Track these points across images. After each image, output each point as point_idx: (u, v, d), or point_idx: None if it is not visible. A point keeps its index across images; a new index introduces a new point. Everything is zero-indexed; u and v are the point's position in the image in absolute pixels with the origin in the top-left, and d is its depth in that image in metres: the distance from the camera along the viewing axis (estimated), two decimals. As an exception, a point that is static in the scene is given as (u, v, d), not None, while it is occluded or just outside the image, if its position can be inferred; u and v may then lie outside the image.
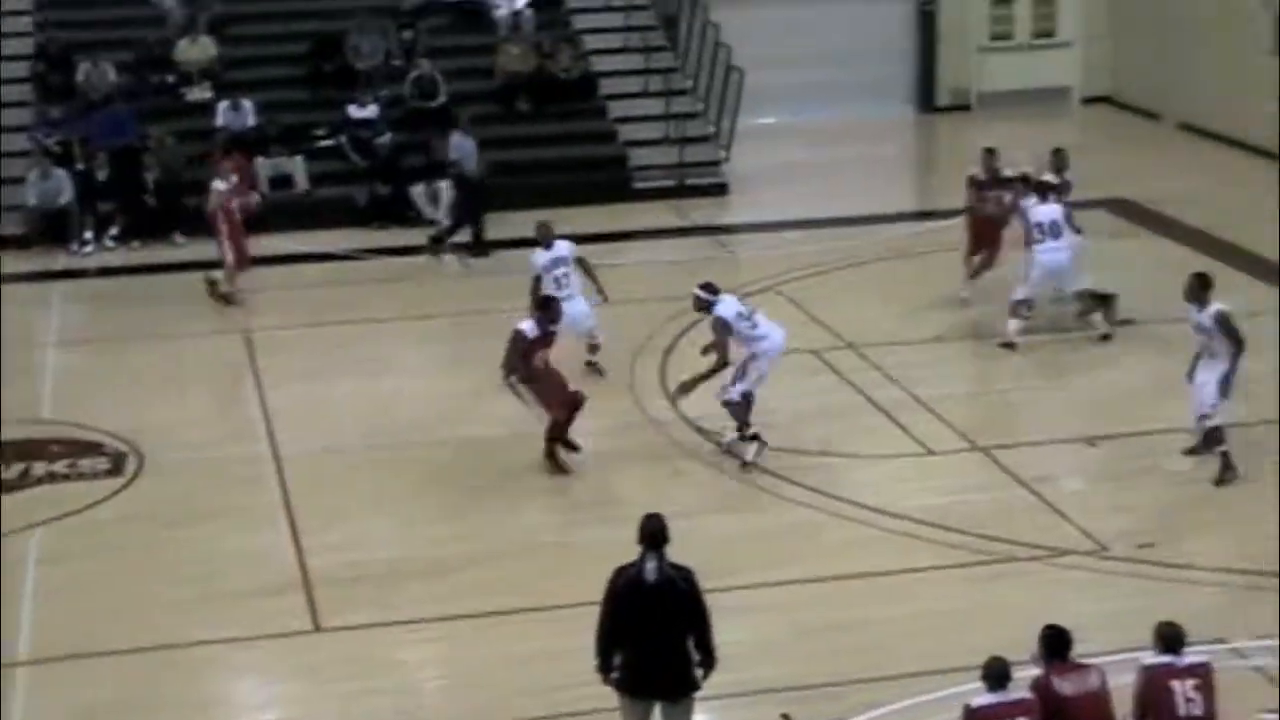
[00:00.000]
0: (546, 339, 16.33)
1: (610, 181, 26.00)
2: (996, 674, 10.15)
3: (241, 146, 25.02)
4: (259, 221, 22.82)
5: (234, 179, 21.95)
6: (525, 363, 16.13)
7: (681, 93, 27.87)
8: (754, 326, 16.35)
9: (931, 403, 17.65)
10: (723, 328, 16.26)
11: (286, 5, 28.49)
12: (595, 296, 18.74)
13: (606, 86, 27.84)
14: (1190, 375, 15.96)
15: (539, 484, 16.21)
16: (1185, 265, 22.08)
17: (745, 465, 16.31)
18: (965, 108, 32.24)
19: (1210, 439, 15.75)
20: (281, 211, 24.31)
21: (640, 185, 26.43)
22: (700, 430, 17.17)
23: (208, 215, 21.51)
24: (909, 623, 13.45)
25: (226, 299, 21.47)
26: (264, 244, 22.72)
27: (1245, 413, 16.63)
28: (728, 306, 16.37)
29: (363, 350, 20.07)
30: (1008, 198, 20.13)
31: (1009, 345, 19.31)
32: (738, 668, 11.75)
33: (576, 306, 18.27)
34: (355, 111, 25.94)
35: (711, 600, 11.02)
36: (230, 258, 21.36)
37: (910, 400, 17.58)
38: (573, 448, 16.45)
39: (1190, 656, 10.39)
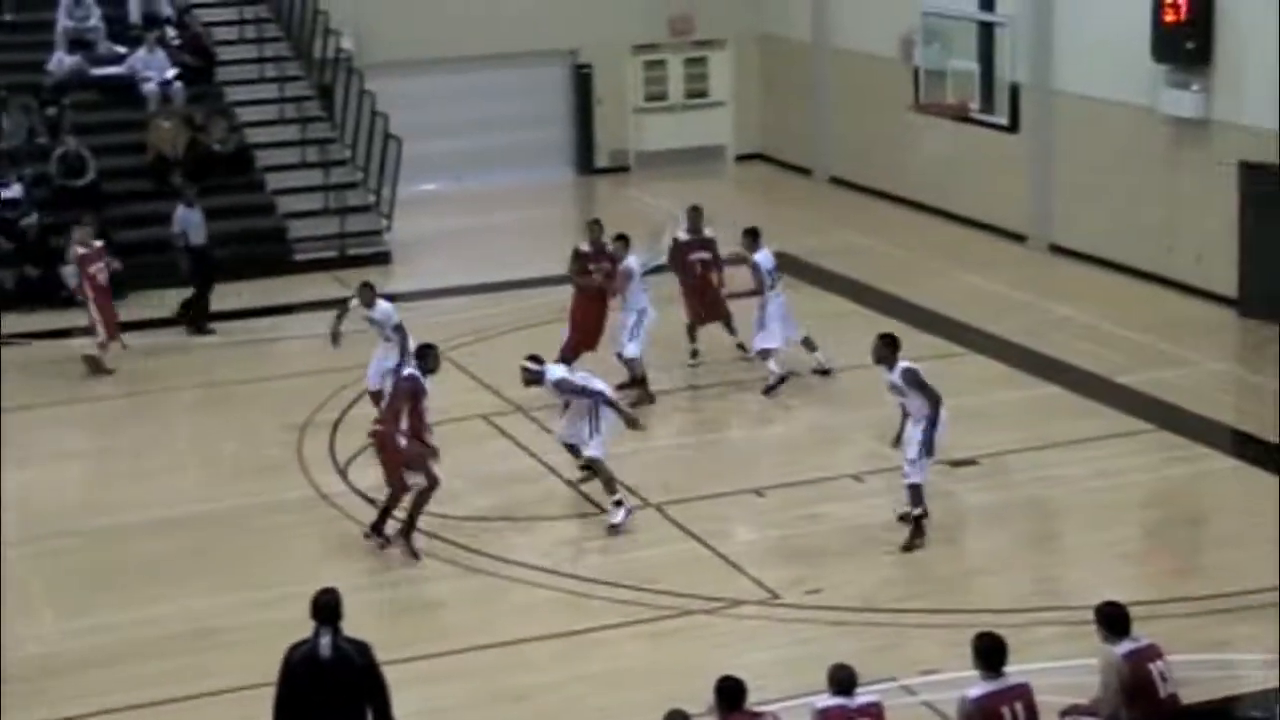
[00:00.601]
0: (424, 391, 15.91)
1: (270, 254, 25.66)
2: (675, 728, 10.19)
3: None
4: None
5: (96, 244, 21.55)
6: (416, 412, 15.68)
7: (340, 163, 27.68)
8: (585, 379, 16.52)
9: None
10: (564, 388, 16.32)
11: (-81, 84, 27.50)
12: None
13: (263, 158, 27.50)
14: (896, 441, 16.02)
15: (199, 566, 15.81)
16: (844, 317, 22.90)
17: (614, 528, 16.21)
18: (624, 168, 32.72)
19: (915, 500, 15.72)
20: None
21: (301, 257, 26.16)
22: (372, 502, 16.95)
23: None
24: (588, 683, 13.45)
25: (96, 365, 21.19)
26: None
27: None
28: (556, 370, 16.49)
29: (9, 439, 19.34)
30: (608, 267, 19.89)
31: (779, 383, 19.90)
32: (418, 740, 11.61)
33: (379, 355, 18.44)
34: (-2, 192, 25.11)
35: (389, 672, 10.88)
36: (100, 328, 21.16)
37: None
38: (380, 533, 16.04)
39: (863, 697, 10.60)
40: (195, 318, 23.13)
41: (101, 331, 21.21)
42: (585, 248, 20.23)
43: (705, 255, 20.70)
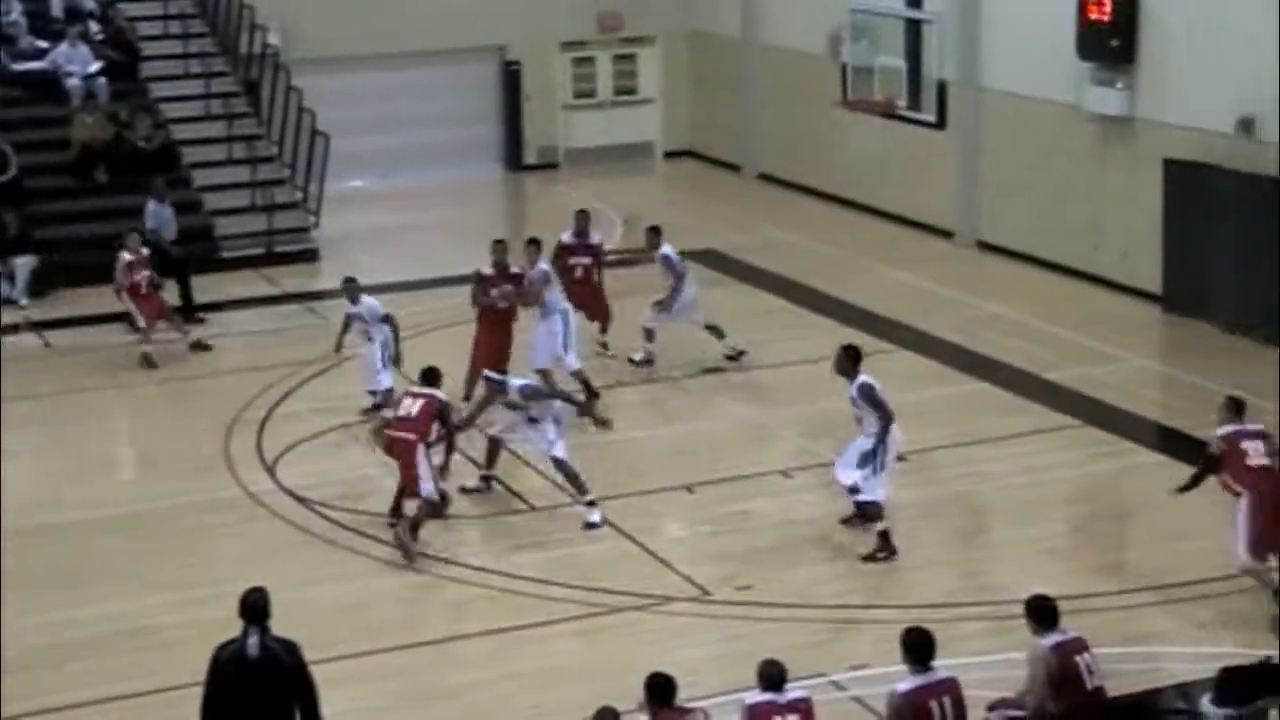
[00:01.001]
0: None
1: (197, 252, 25.42)
2: (606, 725, 10.20)
3: None
4: None
5: (144, 251, 21.57)
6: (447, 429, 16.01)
7: (267, 159, 27.52)
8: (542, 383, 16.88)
9: (531, 458, 17.70)
10: (528, 393, 16.40)
11: None
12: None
13: (189, 155, 27.30)
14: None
15: (132, 566, 15.70)
16: (772, 313, 22.96)
17: (592, 526, 16.23)
18: (553, 165, 32.68)
19: (866, 515, 15.59)
20: None
21: (228, 254, 25.98)
22: (301, 500, 16.91)
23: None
24: (518, 681, 13.43)
25: (147, 360, 21.12)
26: None
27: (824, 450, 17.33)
28: (519, 379, 16.67)
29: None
30: (510, 290, 19.14)
31: (644, 364, 20.59)
32: (347, 739, 11.57)
33: (371, 361, 19.12)
34: (-80, 189, 24.80)
35: (318, 672, 10.84)
36: (140, 321, 21.22)
37: (509, 457, 17.60)
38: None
39: (792, 692, 10.63)
40: (185, 308, 23.10)
41: (143, 324, 21.23)
42: (488, 270, 19.34)
43: (586, 260, 20.72)
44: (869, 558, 15.41)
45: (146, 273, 21.38)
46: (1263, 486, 13.91)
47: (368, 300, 19.14)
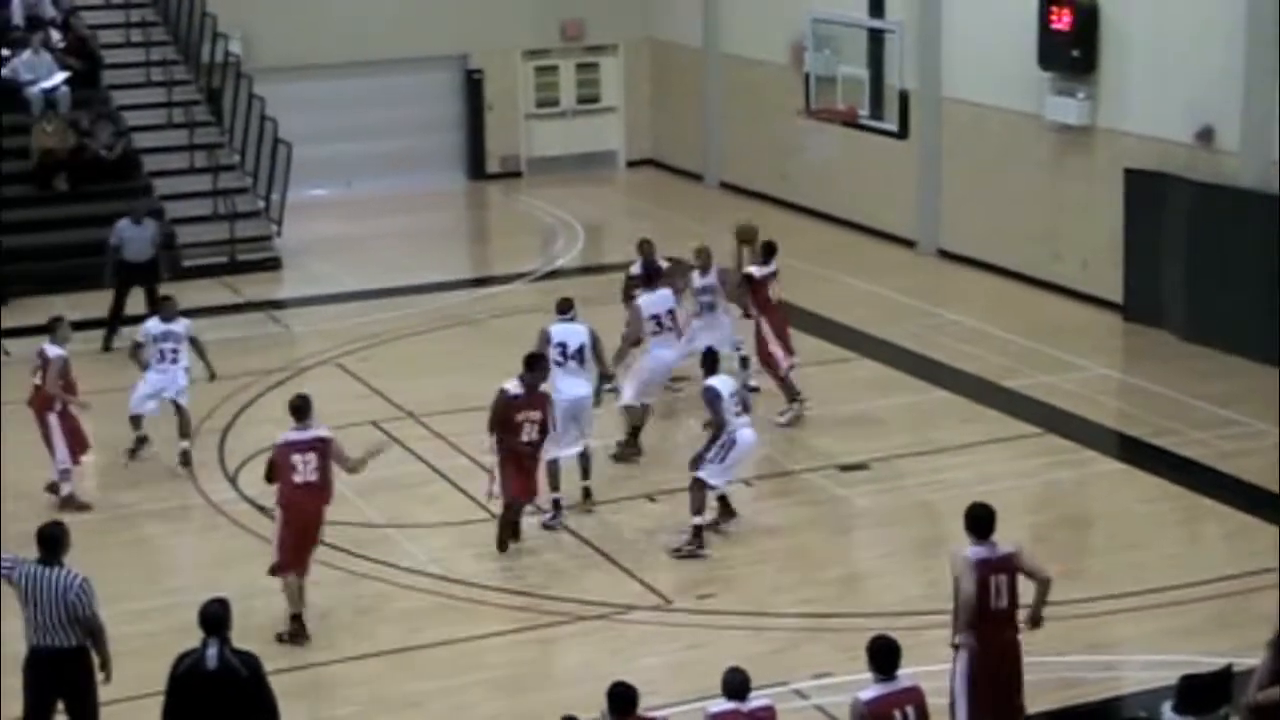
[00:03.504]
0: (530, 400, 15.65)
1: (160, 260, 25.26)
2: (568, 734, 10.19)
3: None
4: None
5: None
6: (506, 423, 15.61)
7: (229, 168, 27.42)
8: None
9: (493, 468, 17.64)
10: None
11: None
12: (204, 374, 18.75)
13: (151, 163, 27.20)
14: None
15: (85, 575, 15.52)
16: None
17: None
18: (516, 174, 32.65)
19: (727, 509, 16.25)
20: None
21: (190, 263, 25.84)
22: (262, 509, 16.83)
23: None
24: (481, 689, 13.42)
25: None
26: None
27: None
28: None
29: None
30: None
31: None
32: (309, 749, 11.53)
33: (174, 378, 18.20)
34: (-122, 198, 24.59)
35: (280, 682, 10.80)
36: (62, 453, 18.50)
37: (472, 466, 17.58)
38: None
39: (755, 701, 10.62)
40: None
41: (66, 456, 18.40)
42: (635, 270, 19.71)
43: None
44: (676, 550, 15.75)
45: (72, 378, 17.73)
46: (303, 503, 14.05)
47: (185, 320, 18.52)
